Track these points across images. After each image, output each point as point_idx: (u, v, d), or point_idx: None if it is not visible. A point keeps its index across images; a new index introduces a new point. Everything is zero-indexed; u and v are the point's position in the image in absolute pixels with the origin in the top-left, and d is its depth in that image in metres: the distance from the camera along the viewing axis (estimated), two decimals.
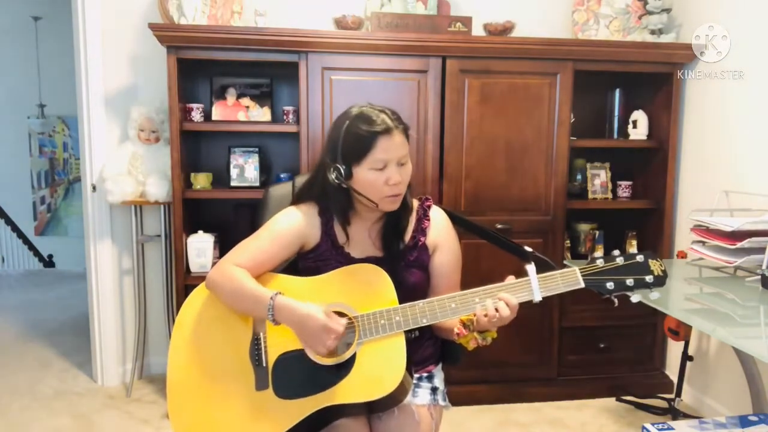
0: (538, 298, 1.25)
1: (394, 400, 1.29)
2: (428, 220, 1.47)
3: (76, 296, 4.68)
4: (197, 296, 1.41)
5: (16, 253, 6.40)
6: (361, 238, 1.44)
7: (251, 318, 1.36)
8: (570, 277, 1.25)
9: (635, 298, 1.24)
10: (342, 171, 1.34)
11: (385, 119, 1.33)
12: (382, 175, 1.33)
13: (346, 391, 1.25)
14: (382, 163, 1.33)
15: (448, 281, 1.45)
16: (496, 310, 1.23)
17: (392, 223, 1.44)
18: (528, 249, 1.37)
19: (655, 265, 1.25)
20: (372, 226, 1.44)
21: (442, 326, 1.42)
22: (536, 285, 1.24)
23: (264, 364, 1.32)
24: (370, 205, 1.37)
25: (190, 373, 1.35)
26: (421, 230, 1.45)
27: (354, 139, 1.33)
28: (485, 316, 1.23)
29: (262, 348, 1.33)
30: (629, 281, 1.23)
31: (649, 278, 1.23)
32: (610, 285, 1.24)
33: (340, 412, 1.29)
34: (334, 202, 1.40)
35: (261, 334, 1.34)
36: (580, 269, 1.25)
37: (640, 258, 1.25)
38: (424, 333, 1.46)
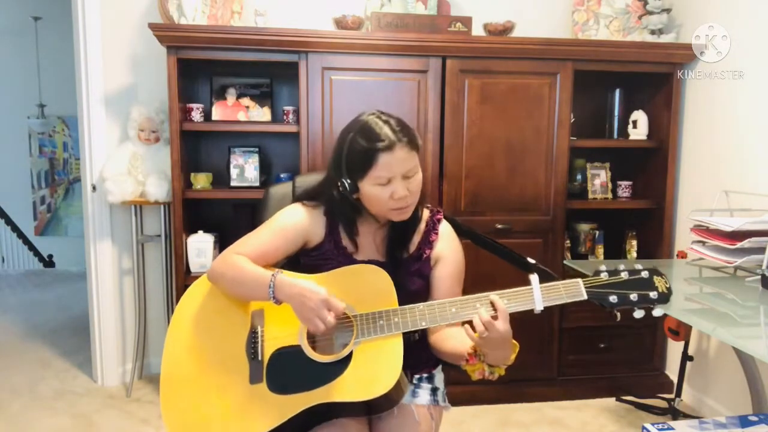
0: (539, 307, 1.23)
1: (389, 401, 1.28)
2: (436, 233, 1.45)
3: (76, 296, 4.69)
4: (197, 288, 1.41)
5: (16, 253, 6.39)
6: (366, 241, 1.43)
7: (250, 311, 1.36)
8: (573, 288, 1.24)
9: (638, 313, 1.23)
10: (347, 186, 1.33)
11: (388, 133, 1.29)
12: (386, 190, 1.31)
13: (340, 390, 1.24)
14: (384, 178, 1.30)
15: (446, 294, 1.41)
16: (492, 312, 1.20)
17: (398, 232, 1.43)
18: (531, 261, 1.37)
19: (660, 282, 1.23)
20: (377, 230, 1.44)
21: (444, 350, 1.38)
22: (538, 294, 1.23)
23: (259, 358, 1.31)
24: (380, 216, 1.37)
25: (185, 363, 1.34)
26: (427, 243, 1.44)
27: (356, 155, 1.31)
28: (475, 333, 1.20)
29: (259, 342, 1.32)
30: (633, 296, 1.22)
31: (653, 294, 1.22)
32: (613, 299, 1.22)
33: (337, 411, 1.29)
34: (340, 214, 1.40)
35: (259, 328, 1.34)
36: (583, 281, 1.24)
37: (645, 274, 1.24)
38: (425, 336, 1.45)
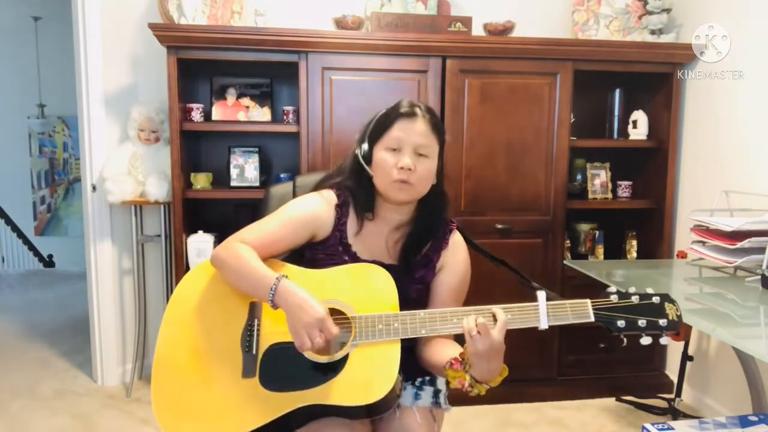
0: (544, 325, 1.21)
1: (383, 406, 1.25)
2: (446, 242, 1.44)
3: (76, 296, 4.68)
4: (198, 273, 1.39)
5: (16, 253, 6.40)
6: (375, 241, 1.42)
7: (249, 302, 1.34)
8: (580, 309, 1.21)
9: (645, 340, 1.20)
10: (364, 151, 1.38)
11: (414, 106, 1.36)
12: (394, 157, 1.34)
13: (333, 393, 1.22)
14: (396, 142, 1.33)
15: (443, 304, 1.39)
16: (478, 332, 1.15)
17: (419, 231, 1.42)
18: (536, 285, 1.36)
19: (670, 309, 1.21)
20: (391, 232, 1.42)
21: (430, 360, 1.35)
22: (545, 312, 1.21)
23: (254, 352, 1.29)
24: (383, 191, 1.36)
25: (179, 349, 1.32)
26: (436, 250, 1.43)
27: (378, 120, 1.38)
28: (470, 335, 1.16)
29: (255, 335, 1.30)
30: (641, 322, 1.20)
31: (662, 322, 1.20)
32: (621, 323, 1.20)
33: (330, 412, 1.26)
34: (358, 188, 1.40)
35: (256, 320, 1.32)
36: (592, 302, 1.22)
37: (656, 299, 1.22)
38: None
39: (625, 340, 1.22)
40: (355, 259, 1.39)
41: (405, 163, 1.32)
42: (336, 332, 1.22)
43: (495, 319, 1.19)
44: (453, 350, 1.29)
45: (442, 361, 1.27)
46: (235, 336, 1.31)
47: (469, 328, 1.16)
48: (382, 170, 1.35)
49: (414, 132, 1.34)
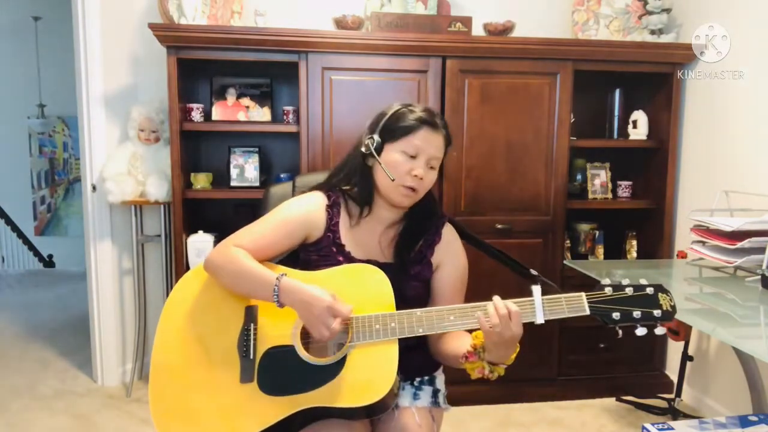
0: (540, 320, 1.21)
1: (382, 406, 1.26)
2: (439, 237, 1.45)
3: (76, 296, 4.69)
4: (192, 278, 1.38)
5: (16, 253, 6.39)
6: (369, 240, 1.42)
7: (244, 307, 1.33)
8: (575, 303, 1.22)
9: (640, 331, 1.21)
10: (375, 142, 1.37)
11: (434, 117, 1.38)
12: (408, 163, 1.35)
13: (333, 395, 1.22)
14: (414, 150, 1.35)
15: (448, 302, 1.39)
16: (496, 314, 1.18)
17: (412, 229, 1.43)
18: (534, 272, 1.37)
19: (664, 300, 1.22)
20: (384, 231, 1.43)
21: (442, 352, 1.38)
22: (540, 306, 1.22)
23: (251, 357, 1.29)
24: (385, 190, 1.37)
25: (176, 356, 1.32)
26: (429, 245, 1.44)
27: (399, 119, 1.37)
28: (488, 323, 1.18)
29: (251, 340, 1.30)
30: (636, 313, 1.20)
31: (657, 312, 1.20)
32: (616, 315, 1.21)
33: (330, 414, 1.26)
34: (361, 179, 1.40)
35: (252, 325, 1.31)
36: (586, 295, 1.22)
37: (650, 290, 1.22)
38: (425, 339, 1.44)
39: (620, 332, 1.23)
40: (349, 258, 1.39)
41: (418, 173, 1.35)
42: (348, 312, 1.23)
43: (508, 311, 1.19)
44: (466, 340, 1.31)
45: (456, 353, 1.30)
46: (232, 341, 1.31)
47: (491, 324, 1.18)
48: (393, 171, 1.35)
49: (432, 145, 1.37)
